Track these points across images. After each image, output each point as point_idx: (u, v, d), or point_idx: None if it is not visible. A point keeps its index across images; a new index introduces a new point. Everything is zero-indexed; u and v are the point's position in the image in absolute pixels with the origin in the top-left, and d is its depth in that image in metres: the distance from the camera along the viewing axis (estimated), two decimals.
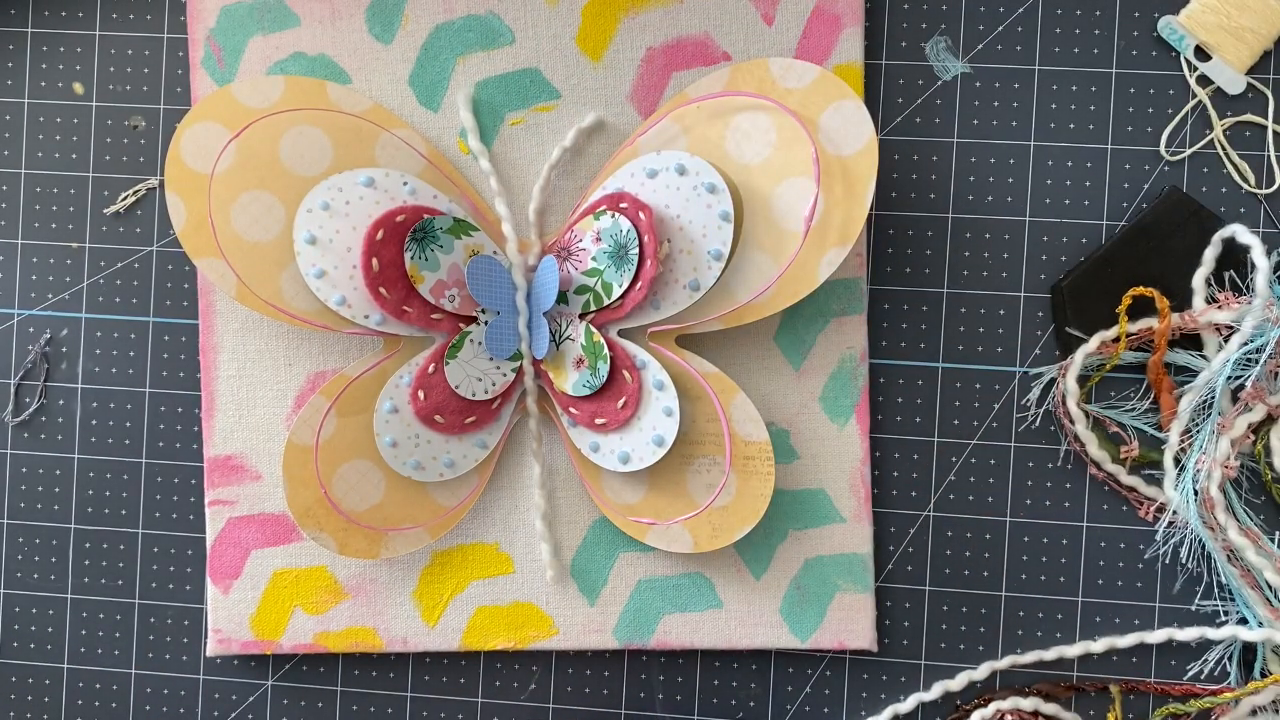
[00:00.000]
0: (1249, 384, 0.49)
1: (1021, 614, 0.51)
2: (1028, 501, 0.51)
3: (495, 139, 0.51)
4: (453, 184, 0.50)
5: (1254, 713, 0.50)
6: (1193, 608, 0.51)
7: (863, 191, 0.47)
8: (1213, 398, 0.49)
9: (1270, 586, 0.49)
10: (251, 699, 0.53)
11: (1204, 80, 0.51)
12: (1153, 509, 0.51)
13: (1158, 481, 0.51)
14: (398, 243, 0.48)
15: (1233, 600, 0.50)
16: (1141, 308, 0.50)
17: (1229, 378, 0.49)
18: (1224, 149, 0.51)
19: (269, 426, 0.51)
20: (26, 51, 0.53)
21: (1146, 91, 0.51)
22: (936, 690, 0.51)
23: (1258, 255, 0.48)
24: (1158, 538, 0.51)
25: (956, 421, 0.51)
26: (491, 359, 0.49)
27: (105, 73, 0.53)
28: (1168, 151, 0.51)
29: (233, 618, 0.51)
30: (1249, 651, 0.50)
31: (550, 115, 0.51)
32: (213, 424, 0.51)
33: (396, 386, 0.49)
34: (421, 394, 0.49)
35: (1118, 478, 0.50)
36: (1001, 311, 0.51)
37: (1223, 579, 0.50)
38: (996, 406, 0.51)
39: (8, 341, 0.53)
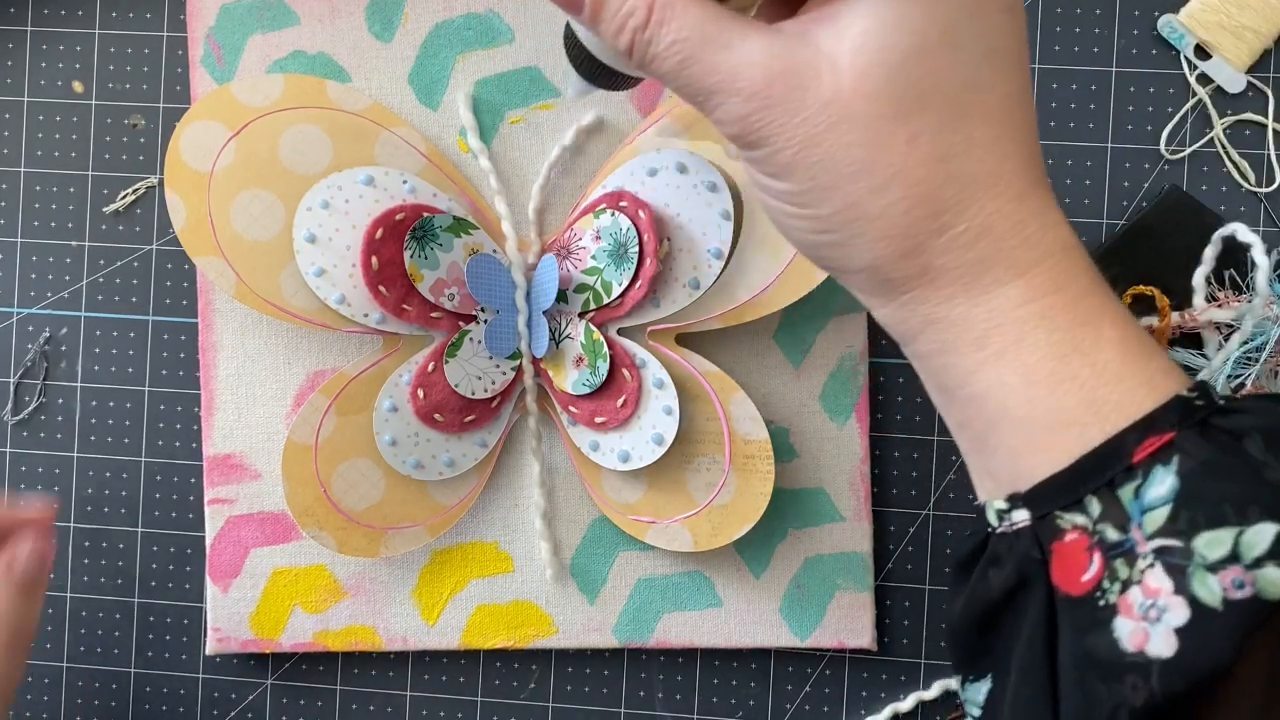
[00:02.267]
0: (1249, 383, 0.49)
1: None
2: None
3: (495, 137, 0.51)
4: (452, 182, 0.50)
5: None
6: None
7: None
8: None
9: None
10: (251, 698, 0.53)
11: (1204, 79, 0.51)
12: None
13: None
14: (397, 241, 0.48)
15: None
16: (1142, 306, 0.50)
17: (1229, 376, 0.49)
18: (1224, 148, 0.51)
19: (268, 425, 0.51)
20: (26, 50, 0.53)
21: (1146, 90, 0.51)
22: (936, 689, 0.51)
23: (1258, 254, 0.48)
24: None
25: None
26: (491, 358, 0.49)
27: (105, 71, 0.53)
28: (1168, 150, 0.51)
29: (232, 616, 0.51)
30: None
31: (550, 114, 0.51)
32: (212, 423, 0.51)
33: (396, 385, 0.49)
34: (421, 392, 0.49)
35: None
36: None
37: None
38: None
39: (7, 340, 0.53)
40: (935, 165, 0.29)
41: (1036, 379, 0.29)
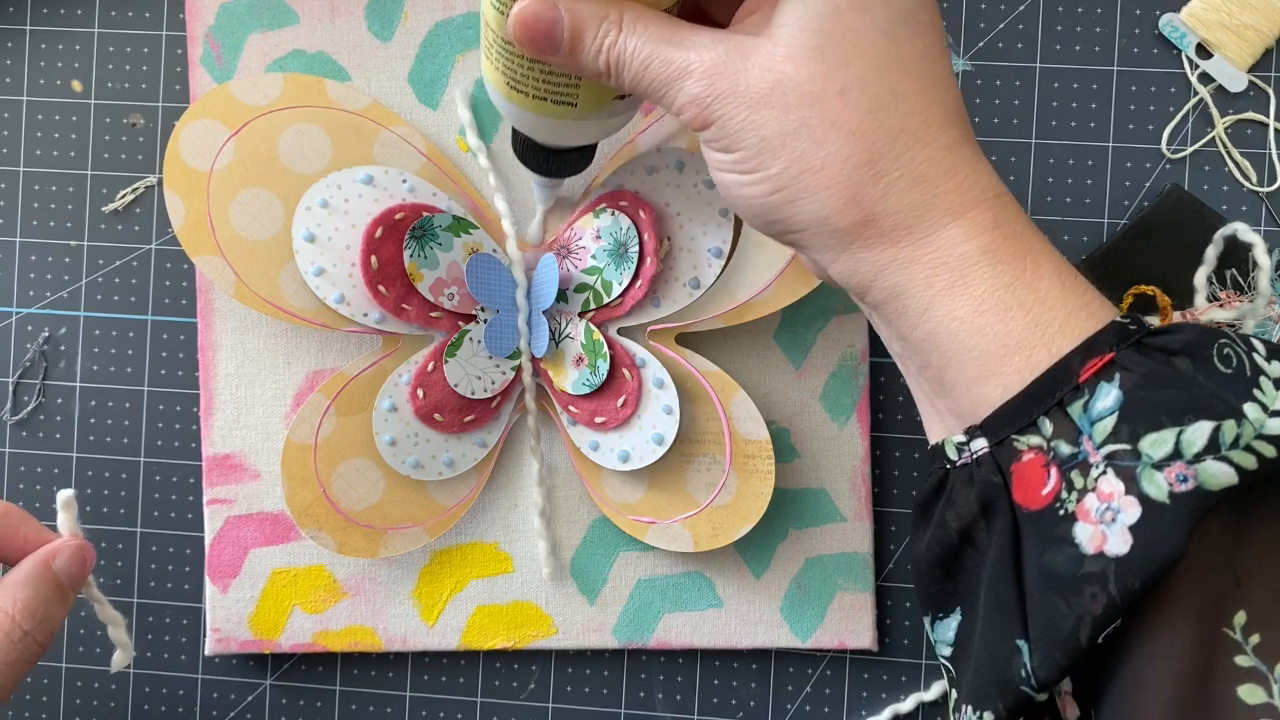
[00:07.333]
0: None
1: None
2: None
3: (494, 136, 0.51)
4: (452, 181, 0.50)
5: None
6: None
7: None
8: None
9: None
10: (250, 698, 0.53)
11: (1205, 78, 0.51)
12: None
13: None
14: (397, 240, 0.48)
15: None
16: (1143, 306, 0.49)
17: None
18: (1225, 147, 0.51)
19: (268, 425, 0.51)
20: (25, 49, 0.53)
21: (1148, 89, 0.51)
22: (936, 690, 0.51)
23: (1259, 253, 0.48)
24: None
25: None
26: (491, 357, 0.49)
27: (104, 70, 0.53)
28: (1169, 149, 0.51)
29: (231, 617, 0.51)
30: None
31: None
32: (211, 422, 0.51)
33: (395, 385, 0.49)
34: (421, 392, 0.49)
35: None
36: None
37: None
38: None
39: (6, 340, 0.53)
40: (866, 115, 0.32)
41: (985, 308, 0.32)
